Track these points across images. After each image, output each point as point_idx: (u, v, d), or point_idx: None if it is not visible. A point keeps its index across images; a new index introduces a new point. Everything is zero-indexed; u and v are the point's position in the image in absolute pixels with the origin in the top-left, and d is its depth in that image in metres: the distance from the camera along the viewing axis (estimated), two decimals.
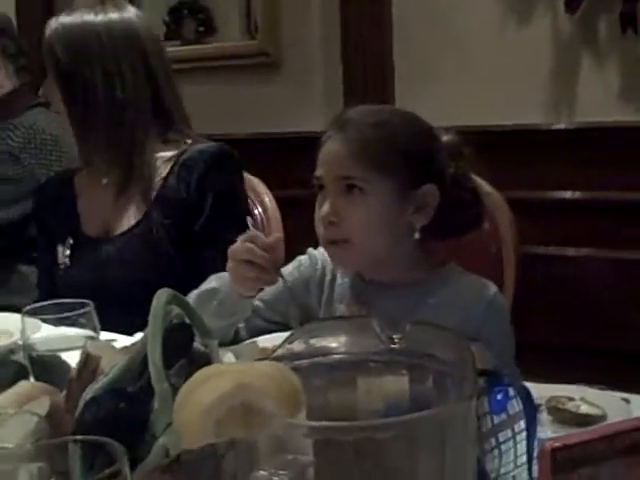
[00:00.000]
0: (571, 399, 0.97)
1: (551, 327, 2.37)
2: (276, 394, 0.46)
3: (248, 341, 1.22)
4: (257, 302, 1.34)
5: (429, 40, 2.59)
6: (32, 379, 0.99)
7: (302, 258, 1.36)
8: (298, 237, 1.86)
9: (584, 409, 0.94)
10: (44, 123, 2.05)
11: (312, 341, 0.59)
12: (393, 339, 0.59)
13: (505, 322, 1.26)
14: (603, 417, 0.93)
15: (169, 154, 1.59)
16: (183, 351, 0.70)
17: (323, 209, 1.20)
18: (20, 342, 1.07)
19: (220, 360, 0.73)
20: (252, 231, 1.23)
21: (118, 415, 0.63)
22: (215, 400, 0.45)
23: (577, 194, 2.45)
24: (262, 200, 1.80)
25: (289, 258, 1.77)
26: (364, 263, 1.25)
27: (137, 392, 0.65)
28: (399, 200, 1.21)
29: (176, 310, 0.70)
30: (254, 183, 1.84)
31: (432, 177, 1.25)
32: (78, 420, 0.65)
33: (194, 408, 0.46)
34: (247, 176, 1.79)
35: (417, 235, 1.24)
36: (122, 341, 1.25)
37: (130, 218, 1.58)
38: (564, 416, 0.94)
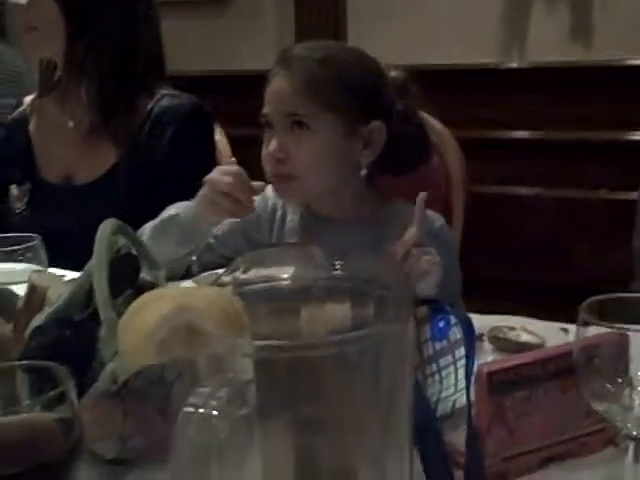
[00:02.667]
0: (512, 329, 0.99)
1: (497, 265, 2.42)
2: (218, 316, 0.47)
3: (205, 273, 1.23)
4: (210, 238, 1.34)
5: None
6: None
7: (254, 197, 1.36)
8: (250, 175, 1.87)
9: (524, 338, 0.97)
10: (11, 56, 2.02)
11: (255, 269, 0.60)
12: (335, 266, 0.60)
13: (452, 254, 1.29)
14: (542, 345, 0.96)
15: (145, 102, 1.50)
16: (129, 281, 0.70)
17: (270, 146, 1.20)
18: None
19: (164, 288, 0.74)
20: (235, 166, 1.23)
21: (64, 343, 0.64)
22: (158, 321, 0.46)
23: (527, 133, 2.48)
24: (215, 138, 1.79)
25: None
26: (310, 197, 1.26)
27: (83, 321, 0.66)
28: (346, 136, 1.22)
29: (122, 241, 0.70)
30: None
31: (379, 113, 1.25)
32: (24, 349, 0.65)
33: (137, 330, 0.47)
34: None
35: (364, 171, 1.25)
36: (70, 276, 1.26)
37: (96, 168, 1.50)
38: (505, 344, 0.97)
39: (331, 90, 1.19)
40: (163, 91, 1.52)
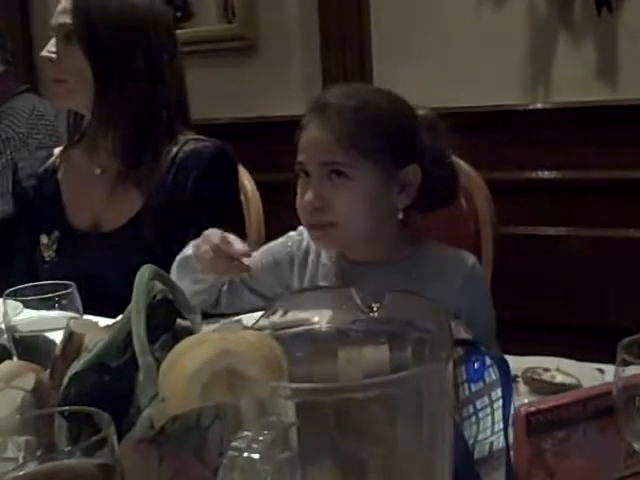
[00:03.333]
0: (547, 370, 0.99)
1: (528, 305, 2.40)
2: (259, 360, 0.48)
3: (233, 319, 1.23)
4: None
5: (406, 21, 2.60)
6: (16, 360, 1.00)
7: (291, 234, 1.37)
8: (278, 221, 1.88)
9: (559, 379, 0.96)
10: (42, 109, 2.08)
11: (293, 312, 0.60)
12: (372, 308, 0.60)
13: (484, 290, 1.29)
14: (578, 386, 0.95)
15: (169, 149, 1.53)
16: (166, 326, 0.71)
17: (307, 195, 1.20)
18: (2, 325, 1.07)
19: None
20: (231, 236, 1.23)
21: (102, 389, 0.65)
22: (200, 366, 0.47)
23: (553, 174, 2.48)
24: (242, 185, 1.81)
25: (268, 240, 1.79)
26: (348, 244, 1.27)
27: (121, 366, 0.67)
28: (383, 182, 1.23)
29: (159, 286, 0.71)
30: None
31: (414, 157, 1.26)
32: (63, 395, 0.66)
33: (179, 374, 0.47)
34: None
35: (400, 215, 1.25)
36: (105, 322, 1.27)
37: (124, 214, 1.53)
38: (540, 386, 0.96)
39: (368, 138, 1.21)
40: (187, 137, 1.55)
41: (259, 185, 1.85)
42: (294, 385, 0.46)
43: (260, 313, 1.23)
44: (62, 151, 1.66)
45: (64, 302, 1.01)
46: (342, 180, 1.20)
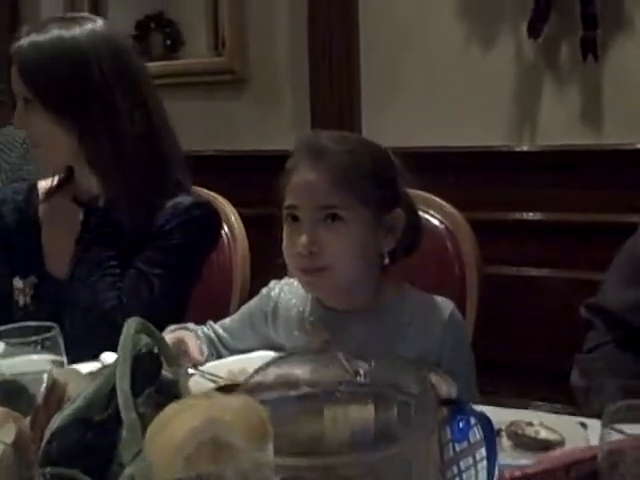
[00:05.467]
0: (530, 424, 0.98)
1: (510, 347, 2.40)
2: (244, 428, 0.47)
3: (215, 362, 1.23)
4: (222, 332, 1.36)
5: (395, 61, 2.63)
6: None
7: (262, 292, 1.38)
8: (262, 255, 1.88)
9: (543, 434, 0.96)
10: None
11: (280, 372, 0.60)
12: (359, 372, 0.60)
13: (464, 337, 1.29)
14: (561, 442, 0.95)
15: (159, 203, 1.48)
16: (151, 379, 0.71)
17: (301, 240, 1.19)
18: None
19: (188, 388, 0.74)
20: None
21: (85, 445, 0.64)
22: (186, 435, 0.46)
23: (537, 215, 2.49)
24: (228, 220, 1.81)
25: (253, 275, 1.80)
26: (338, 289, 1.26)
27: (104, 421, 0.66)
28: (373, 227, 1.23)
29: (145, 339, 0.71)
30: (220, 202, 1.84)
31: (398, 201, 1.28)
32: (44, 451, 0.65)
33: (166, 444, 0.47)
34: (213, 195, 1.80)
35: (387, 260, 1.26)
36: (88, 367, 1.26)
37: None
38: (523, 441, 0.96)
39: (362, 181, 1.21)
40: (179, 191, 1.52)
41: (244, 219, 1.85)
42: (279, 461, 0.46)
43: (239, 357, 1.25)
44: (46, 192, 1.61)
45: (47, 344, 1.00)
46: (337, 224, 1.20)
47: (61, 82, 1.44)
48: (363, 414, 0.62)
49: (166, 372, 0.73)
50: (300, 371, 0.60)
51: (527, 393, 2.37)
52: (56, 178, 1.60)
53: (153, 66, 2.86)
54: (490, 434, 0.69)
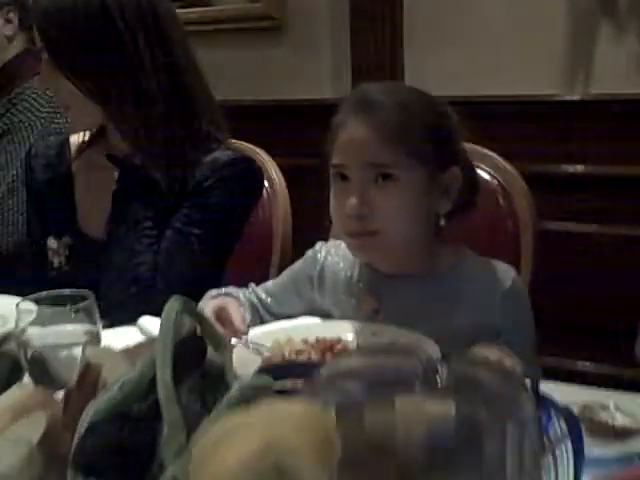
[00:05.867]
0: (604, 407, 0.90)
1: (565, 306, 2.30)
2: (309, 447, 0.40)
3: (260, 329, 1.16)
4: (265, 297, 1.29)
5: (441, 4, 2.49)
6: (27, 376, 0.93)
7: (308, 254, 1.30)
8: (303, 209, 1.81)
9: (620, 420, 0.88)
10: None
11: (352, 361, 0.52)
12: (435, 365, 0.52)
13: (525, 311, 1.20)
14: None
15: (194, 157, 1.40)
16: (195, 365, 0.63)
17: (351, 201, 1.10)
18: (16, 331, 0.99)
19: (234, 372, 0.67)
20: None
21: (122, 443, 0.57)
22: (242, 463, 0.39)
23: (589, 168, 2.37)
24: (269, 174, 1.72)
25: (294, 228, 1.72)
26: (390, 254, 1.18)
27: (143, 414, 0.59)
28: (428, 186, 1.14)
29: (187, 321, 0.63)
30: (259, 155, 1.75)
31: (454, 158, 1.18)
32: (78, 447, 0.58)
33: (218, 472, 0.40)
34: (251, 147, 1.72)
35: (443, 222, 1.17)
36: (125, 332, 1.20)
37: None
38: (600, 428, 0.87)
39: (415, 137, 1.11)
40: (215, 145, 1.43)
41: (283, 170, 1.76)
42: None
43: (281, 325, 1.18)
44: (78, 148, 1.53)
45: (82, 314, 0.94)
46: (389, 183, 1.11)
47: (78, 43, 1.34)
48: (441, 409, 0.54)
49: (211, 355, 0.65)
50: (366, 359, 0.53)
51: (577, 353, 2.29)
52: (87, 133, 1.52)
53: (186, 12, 2.79)
54: (577, 431, 0.61)
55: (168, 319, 0.60)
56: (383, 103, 1.12)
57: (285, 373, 0.79)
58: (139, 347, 0.80)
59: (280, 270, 1.67)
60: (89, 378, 0.68)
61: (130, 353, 0.74)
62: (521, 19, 2.38)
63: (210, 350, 0.65)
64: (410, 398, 0.54)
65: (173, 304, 0.62)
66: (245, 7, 2.85)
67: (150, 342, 0.88)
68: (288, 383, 0.82)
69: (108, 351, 0.75)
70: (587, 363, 2.35)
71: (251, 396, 0.61)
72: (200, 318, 0.65)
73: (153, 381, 0.59)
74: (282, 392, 0.72)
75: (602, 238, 2.33)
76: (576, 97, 2.37)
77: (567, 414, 0.63)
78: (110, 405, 0.59)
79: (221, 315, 1.14)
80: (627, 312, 2.20)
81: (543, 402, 0.66)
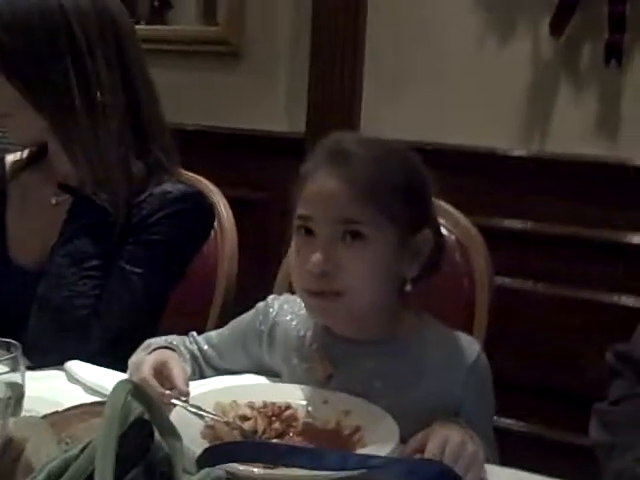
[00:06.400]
0: None
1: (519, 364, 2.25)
2: None
3: (200, 388, 1.06)
4: (208, 348, 1.20)
5: (404, 50, 2.45)
6: None
7: (258, 307, 1.21)
8: (248, 239, 1.71)
9: None
10: None
11: None
12: None
13: (488, 387, 1.13)
14: None
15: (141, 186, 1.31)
16: (139, 455, 0.53)
17: (316, 257, 1.02)
18: None
19: (184, 466, 0.57)
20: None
21: None
22: None
23: (539, 226, 2.34)
24: (217, 209, 1.62)
25: (239, 263, 1.62)
26: (351, 318, 1.09)
27: None
28: (397, 248, 1.06)
29: (135, 407, 0.53)
30: (209, 188, 1.65)
31: (427, 220, 1.11)
32: None
33: None
34: (199, 178, 1.62)
35: (409, 287, 1.09)
36: (51, 376, 1.09)
37: None
38: None
39: (391, 196, 1.03)
40: (166, 176, 1.34)
41: (231, 202, 1.67)
42: None
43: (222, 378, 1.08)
44: (14, 169, 1.41)
45: (4, 364, 0.82)
46: (358, 242, 1.03)
47: (32, 48, 1.24)
48: None
49: (158, 444, 0.55)
50: None
51: (536, 414, 2.24)
52: (25, 152, 1.40)
53: (140, 29, 2.67)
54: None
55: (115, 406, 0.50)
56: (357, 155, 1.05)
57: (234, 455, 0.70)
58: (68, 416, 0.69)
59: (223, 311, 1.58)
60: (10, 455, 0.57)
61: (58, 424, 0.63)
62: (483, 72, 2.35)
63: (157, 438, 0.55)
64: None
65: (121, 389, 0.52)
66: (201, 30, 2.77)
67: (81, 407, 0.77)
68: (240, 468, 0.73)
69: (33, 423, 0.64)
70: (540, 427, 2.31)
71: None
72: (149, 402, 0.55)
73: (91, 477, 0.48)
74: None
75: (545, 298, 2.30)
76: (532, 153, 2.34)
77: None
78: None
79: (162, 371, 1.03)
80: (578, 375, 2.18)
81: None
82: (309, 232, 1.05)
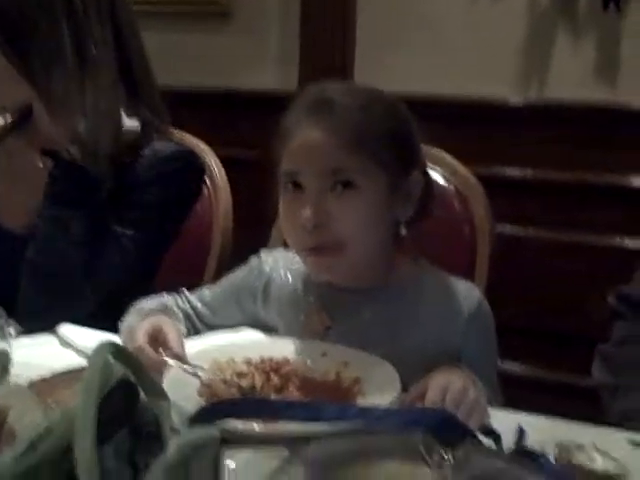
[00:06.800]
0: (580, 447, 0.82)
1: (519, 310, 2.24)
2: None
3: (196, 345, 1.04)
4: (201, 306, 1.18)
5: (396, 3, 2.40)
6: None
7: (252, 263, 1.19)
8: (243, 200, 1.69)
9: (600, 463, 0.79)
10: None
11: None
12: (443, 459, 0.42)
13: (490, 335, 1.11)
14: (622, 475, 0.79)
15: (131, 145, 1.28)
16: (124, 418, 0.51)
17: (305, 212, 0.99)
18: None
19: (172, 424, 0.55)
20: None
21: None
22: None
23: (538, 172, 2.31)
24: (210, 168, 1.59)
25: (234, 222, 1.60)
26: (354, 270, 1.06)
27: None
28: (389, 193, 1.04)
29: (117, 369, 0.51)
30: (201, 147, 1.62)
31: (416, 163, 1.09)
32: None
33: None
34: (190, 137, 1.59)
35: (404, 230, 1.07)
36: (42, 347, 1.07)
37: None
38: (579, 472, 0.79)
39: (377, 142, 1.01)
40: (156, 135, 1.31)
41: (224, 161, 1.65)
42: None
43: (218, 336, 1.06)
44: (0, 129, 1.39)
45: None
46: (349, 192, 1.00)
47: (25, 11, 1.21)
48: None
49: (144, 404, 0.54)
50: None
51: (540, 358, 2.24)
52: (8, 117, 1.37)
53: None
54: None
55: (94, 368, 0.48)
56: (342, 104, 1.02)
57: (232, 412, 0.68)
58: (55, 382, 0.68)
59: (219, 268, 1.56)
60: None
61: (44, 391, 0.62)
62: (478, 20, 2.30)
63: (143, 398, 0.54)
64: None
65: (100, 351, 0.50)
66: None
67: (68, 373, 0.75)
68: (239, 425, 0.71)
69: (17, 390, 0.62)
70: (545, 370, 2.30)
71: (192, 456, 0.50)
72: (133, 363, 0.53)
73: (70, 447, 0.47)
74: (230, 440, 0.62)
75: (548, 243, 2.28)
76: (530, 101, 2.30)
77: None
78: (14, 470, 0.47)
79: (157, 337, 1.01)
80: (582, 318, 2.17)
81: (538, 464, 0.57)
82: (297, 187, 1.02)
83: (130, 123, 1.29)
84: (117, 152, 1.26)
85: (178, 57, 2.59)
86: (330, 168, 1.00)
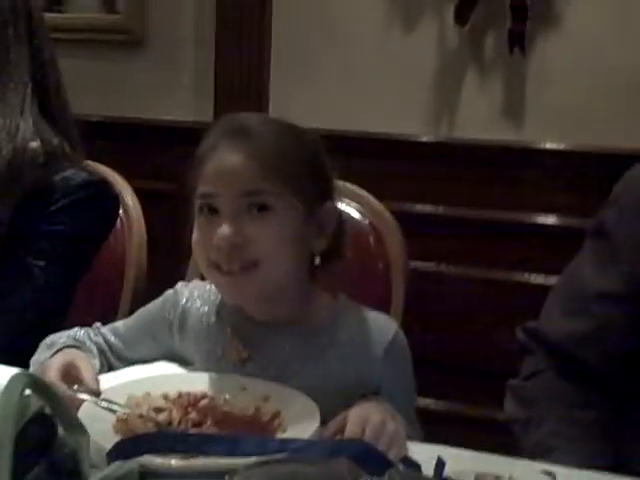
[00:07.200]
0: (498, 478, 0.83)
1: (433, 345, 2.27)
2: None
3: (110, 381, 1.01)
4: (115, 340, 1.15)
5: (310, 37, 2.43)
6: None
7: (167, 295, 1.17)
8: (158, 232, 1.66)
9: None
10: None
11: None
12: None
13: (407, 366, 1.12)
14: None
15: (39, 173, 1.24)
16: (40, 452, 0.49)
17: (222, 230, 0.98)
18: None
19: (91, 462, 0.53)
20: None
21: None
22: None
23: (441, 209, 2.36)
24: (124, 200, 1.56)
25: (149, 255, 1.57)
26: (265, 294, 1.06)
27: None
28: (305, 219, 1.04)
29: (34, 402, 0.49)
30: (114, 178, 1.59)
31: (330, 193, 1.10)
32: None
33: None
34: (105, 169, 1.56)
35: (318, 261, 1.07)
36: None
37: None
38: None
39: (292, 168, 1.02)
40: (68, 164, 1.28)
41: (136, 193, 1.62)
42: None
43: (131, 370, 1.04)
44: None
45: None
46: (265, 214, 1.01)
47: None
48: None
49: (62, 439, 0.51)
50: None
51: (455, 392, 2.26)
52: None
53: None
54: None
55: (9, 401, 0.46)
56: (258, 131, 1.03)
57: (149, 447, 0.66)
58: None
59: (133, 302, 1.53)
60: None
61: None
62: (390, 61, 2.36)
63: (61, 432, 0.51)
64: None
65: (15, 383, 0.47)
66: (102, 17, 2.67)
67: None
68: (156, 460, 0.69)
69: None
70: (462, 404, 2.33)
71: None
72: (50, 396, 0.51)
73: None
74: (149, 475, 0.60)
75: (460, 279, 2.32)
76: (440, 139, 2.36)
77: None
78: None
79: (70, 372, 0.98)
80: (493, 353, 2.21)
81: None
82: (212, 211, 1.01)
83: (36, 144, 1.25)
84: (17, 176, 1.21)
85: (90, 86, 2.54)
86: (246, 190, 1.00)
